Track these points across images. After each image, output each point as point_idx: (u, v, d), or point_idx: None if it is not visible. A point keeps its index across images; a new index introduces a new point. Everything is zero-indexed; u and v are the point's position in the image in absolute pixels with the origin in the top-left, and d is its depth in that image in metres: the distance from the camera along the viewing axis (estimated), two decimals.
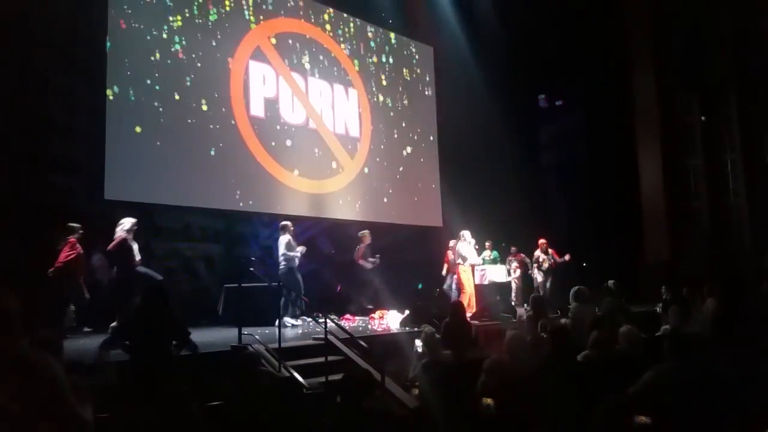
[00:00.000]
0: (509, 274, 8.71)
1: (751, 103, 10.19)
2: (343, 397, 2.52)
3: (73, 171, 6.08)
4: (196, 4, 7.16)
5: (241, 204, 7.35)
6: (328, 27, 8.77)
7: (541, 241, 8.62)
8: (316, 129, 8.36)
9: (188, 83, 6.93)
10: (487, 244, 8.91)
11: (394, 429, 2.51)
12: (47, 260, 5.31)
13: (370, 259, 7.68)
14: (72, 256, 5.26)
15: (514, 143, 10.71)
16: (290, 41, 8.19)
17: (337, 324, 4.91)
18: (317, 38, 8.60)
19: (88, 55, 6.15)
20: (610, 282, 6.07)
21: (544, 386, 2.79)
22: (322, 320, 4.63)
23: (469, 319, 6.41)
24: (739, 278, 8.56)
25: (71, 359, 3.47)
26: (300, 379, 4.02)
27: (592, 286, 5.98)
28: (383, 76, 9.47)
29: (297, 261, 6.51)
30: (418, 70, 10.10)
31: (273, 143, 7.73)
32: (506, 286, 8.51)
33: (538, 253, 8.57)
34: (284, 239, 6.53)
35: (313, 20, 8.58)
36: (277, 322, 4.92)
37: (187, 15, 7.06)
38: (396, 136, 9.50)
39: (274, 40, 7.97)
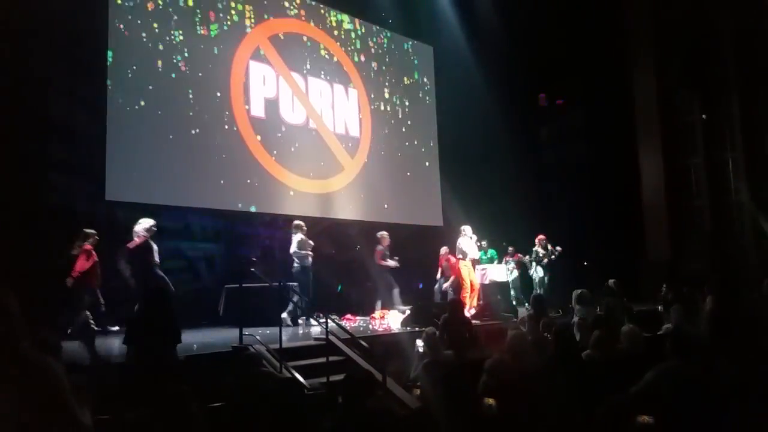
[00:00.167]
0: (510, 273, 8.70)
1: (752, 101, 10.18)
2: (344, 398, 2.52)
3: (74, 172, 6.08)
4: (196, 4, 7.15)
5: (241, 204, 7.34)
6: (327, 27, 8.77)
7: (540, 236, 8.59)
8: (316, 129, 8.36)
9: (188, 84, 6.93)
10: (482, 244, 8.88)
11: (396, 429, 2.50)
12: (49, 262, 5.32)
13: (390, 262, 7.60)
14: (88, 266, 5.32)
15: (514, 142, 10.71)
16: (290, 41, 8.18)
17: (338, 324, 4.91)
18: (317, 38, 8.59)
19: (89, 55, 6.15)
20: (611, 281, 6.06)
21: (546, 386, 2.78)
22: (323, 320, 4.62)
23: (470, 316, 6.41)
24: (736, 277, 8.56)
25: (71, 360, 3.47)
26: (301, 379, 4.01)
27: (593, 286, 5.98)
28: (383, 76, 9.46)
29: (310, 260, 6.57)
30: (418, 70, 10.09)
31: (273, 143, 7.73)
32: (507, 285, 8.50)
33: (537, 248, 8.53)
34: (297, 238, 6.60)
35: (312, 20, 8.57)
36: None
37: (187, 15, 7.06)
38: (396, 135, 9.49)
39: (273, 41, 7.97)
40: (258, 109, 7.65)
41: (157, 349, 3.33)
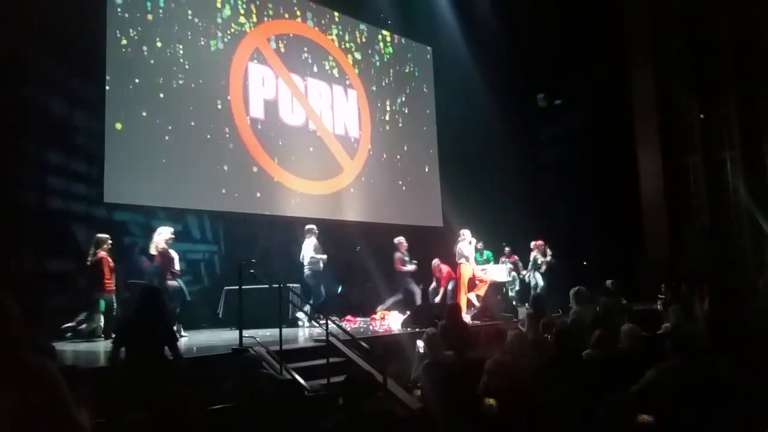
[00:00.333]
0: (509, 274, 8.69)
1: (749, 101, 10.20)
2: (345, 399, 2.51)
3: (73, 174, 6.07)
4: (196, 5, 7.15)
5: (240, 205, 7.34)
6: (326, 28, 8.77)
7: (539, 242, 8.54)
8: (316, 130, 8.36)
9: (187, 85, 6.93)
10: (479, 245, 8.86)
11: (397, 430, 2.50)
12: (47, 264, 5.31)
13: (410, 266, 7.54)
14: (110, 282, 5.34)
15: (513, 142, 10.71)
16: (289, 43, 8.18)
17: (338, 325, 4.90)
18: (316, 39, 8.59)
19: (87, 56, 6.14)
20: (608, 282, 6.04)
21: (547, 386, 2.79)
22: (323, 322, 4.62)
23: (471, 318, 6.41)
24: (732, 277, 8.58)
25: (68, 364, 3.46)
26: (302, 381, 4.00)
27: (593, 285, 5.97)
28: (382, 77, 9.47)
29: (322, 265, 6.59)
30: (417, 70, 10.10)
31: (273, 145, 7.73)
32: (506, 285, 8.49)
33: (535, 254, 8.45)
34: (311, 242, 6.63)
35: (311, 21, 8.58)
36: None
37: (187, 16, 7.06)
38: (396, 136, 9.50)
39: (272, 42, 7.97)
40: (257, 111, 7.65)
41: (149, 350, 3.33)
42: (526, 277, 8.67)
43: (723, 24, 10.40)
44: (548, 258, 8.39)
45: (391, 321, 6.97)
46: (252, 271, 5.11)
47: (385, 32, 9.63)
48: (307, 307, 6.18)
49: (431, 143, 10.07)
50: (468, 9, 10.19)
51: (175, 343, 3.47)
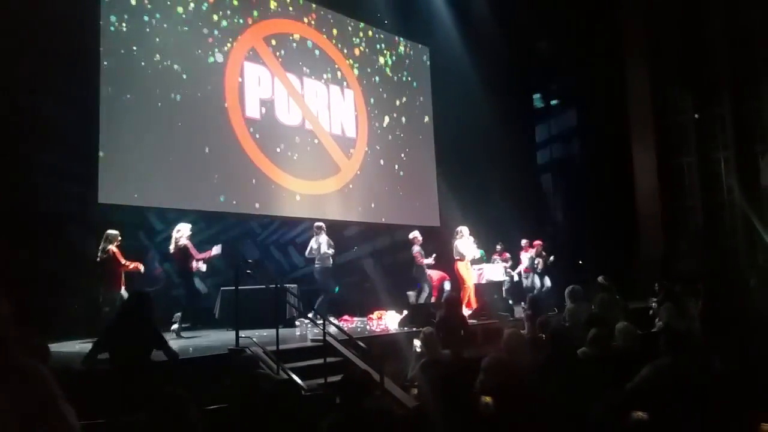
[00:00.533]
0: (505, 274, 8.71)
1: (744, 101, 10.27)
2: (342, 398, 2.52)
3: (67, 174, 6.04)
4: (192, 4, 7.13)
5: (237, 206, 7.32)
6: (323, 27, 8.76)
7: (537, 242, 8.56)
8: (312, 130, 8.35)
9: (183, 85, 6.91)
10: None
11: (394, 429, 2.51)
12: (41, 266, 5.27)
13: (427, 261, 7.47)
14: (122, 277, 5.35)
15: (510, 142, 10.75)
16: (285, 42, 8.17)
17: (335, 325, 4.90)
18: (312, 39, 8.59)
19: (80, 57, 6.11)
20: (600, 278, 6.03)
21: (543, 384, 2.80)
22: (320, 321, 4.62)
23: (468, 317, 6.42)
24: (725, 276, 8.64)
25: (60, 366, 3.44)
26: (299, 381, 4.01)
27: (588, 284, 5.99)
28: (379, 76, 9.47)
29: (331, 261, 6.67)
30: (414, 70, 10.11)
31: (269, 145, 7.72)
32: (502, 285, 8.50)
33: (532, 255, 8.46)
34: (323, 239, 6.71)
35: (307, 21, 8.57)
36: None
37: (183, 16, 7.04)
38: (392, 135, 9.51)
39: (268, 42, 7.95)
40: (253, 110, 7.64)
41: (132, 353, 3.32)
42: (524, 278, 8.70)
43: (717, 24, 10.47)
44: (550, 258, 8.41)
45: (387, 320, 6.98)
46: (249, 271, 5.10)
47: (382, 32, 9.63)
48: (317, 305, 6.20)
49: (428, 143, 10.08)
50: (465, 9, 10.22)
51: (166, 345, 3.47)
